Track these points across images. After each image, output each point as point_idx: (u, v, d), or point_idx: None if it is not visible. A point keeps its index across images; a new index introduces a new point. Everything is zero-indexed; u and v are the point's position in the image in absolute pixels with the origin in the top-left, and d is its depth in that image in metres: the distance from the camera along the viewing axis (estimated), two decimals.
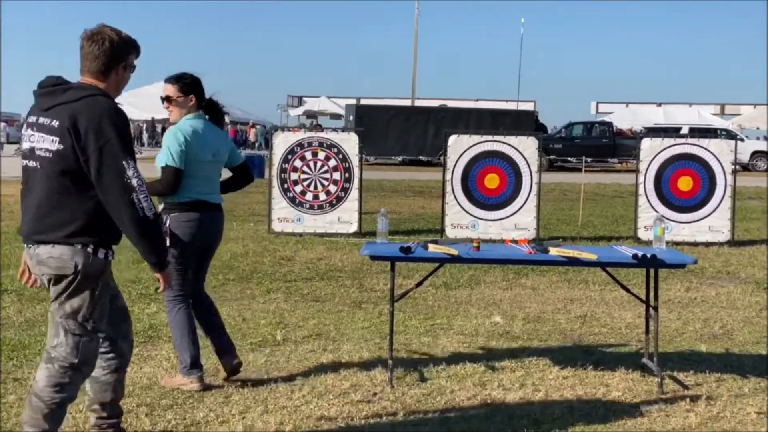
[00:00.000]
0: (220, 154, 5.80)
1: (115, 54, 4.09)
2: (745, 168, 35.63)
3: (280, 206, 13.78)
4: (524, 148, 13.40)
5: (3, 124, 48.88)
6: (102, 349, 4.36)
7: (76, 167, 3.95)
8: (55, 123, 3.95)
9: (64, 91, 4.01)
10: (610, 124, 39.50)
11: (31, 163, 4.05)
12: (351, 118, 37.42)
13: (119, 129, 3.95)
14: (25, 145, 4.07)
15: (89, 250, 4.03)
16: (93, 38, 4.07)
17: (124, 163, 3.93)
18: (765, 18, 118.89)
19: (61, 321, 4.11)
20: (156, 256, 4.13)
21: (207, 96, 5.86)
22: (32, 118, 4.07)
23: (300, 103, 65.98)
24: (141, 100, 56.54)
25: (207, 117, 5.85)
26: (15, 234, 12.91)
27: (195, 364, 5.69)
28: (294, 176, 13.77)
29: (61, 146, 3.94)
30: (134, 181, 3.94)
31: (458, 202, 13.32)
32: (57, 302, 4.10)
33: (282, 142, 13.90)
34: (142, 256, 4.13)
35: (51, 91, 4.04)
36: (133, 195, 3.93)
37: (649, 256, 5.83)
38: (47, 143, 3.96)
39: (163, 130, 56.73)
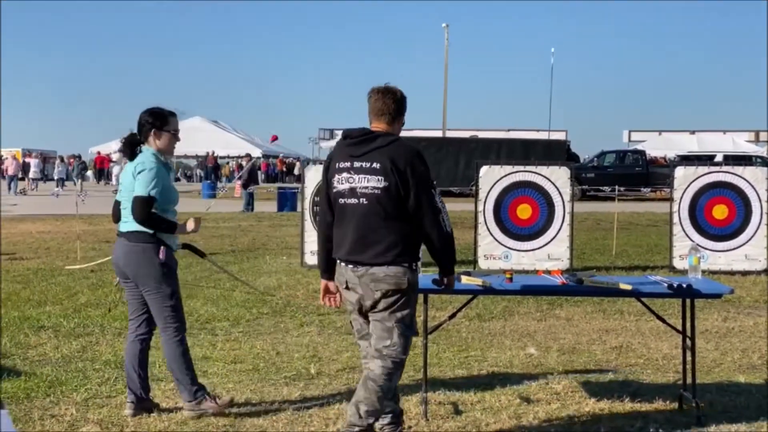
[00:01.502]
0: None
1: (400, 108, 5.07)
2: None
3: (313, 239, 13.74)
4: (556, 178, 13.36)
5: (35, 161, 49.51)
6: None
7: (397, 199, 4.84)
8: (377, 165, 4.86)
9: (374, 139, 4.93)
10: (643, 153, 39.27)
11: (352, 201, 4.91)
12: None
13: (424, 165, 4.93)
14: (343, 186, 4.93)
15: (413, 267, 4.94)
16: (385, 93, 5.03)
17: (432, 191, 4.92)
18: None
19: (395, 326, 4.94)
20: (452, 263, 5.11)
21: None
22: (344, 164, 4.94)
23: (332, 135, 66.22)
24: None
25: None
26: (51, 271, 13.05)
27: (201, 386, 5.85)
28: None
29: (387, 183, 4.84)
30: (439, 205, 4.92)
31: (491, 233, 13.28)
32: (388, 312, 4.93)
33: (314, 176, 13.94)
34: (442, 263, 5.08)
35: (363, 140, 4.95)
36: (439, 216, 4.89)
37: (684, 286, 5.78)
38: (373, 182, 4.86)
39: (216, 167, 57.49)
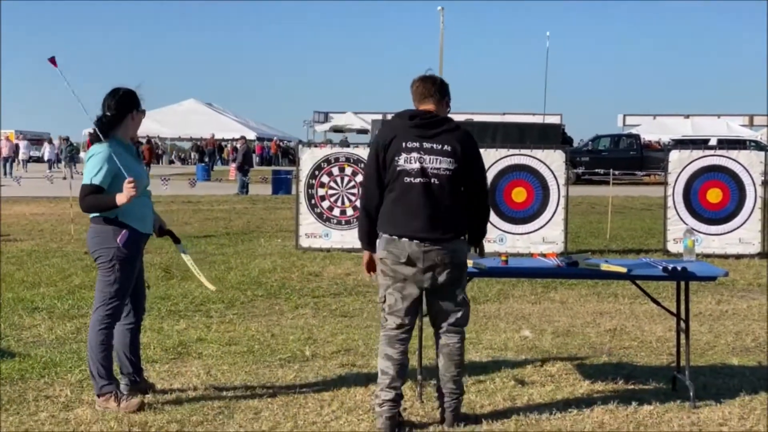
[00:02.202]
0: None
1: (441, 90, 5.37)
2: None
3: (308, 222, 13.80)
4: (551, 162, 13.35)
5: (25, 143, 49.24)
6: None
7: (462, 181, 5.20)
8: (448, 147, 5.16)
9: (441, 122, 5.24)
10: (637, 137, 39.29)
11: (419, 180, 5.14)
12: (377, 133, 37.44)
13: (479, 149, 5.35)
14: (412, 166, 5.14)
15: (466, 241, 5.37)
16: (425, 79, 5.36)
17: (485, 174, 5.46)
18: None
19: (463, 298, 5.33)
20: (484, 236, 5.51)
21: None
22: (413, 144, 5.16)
23: (326, 118, 66.23)
24: (168, 117, 56.97)
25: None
26: (45, 252, 13.04)
27: (112, 382, 5.66)
28: (321, 192, 13.80)
29: (456, 165, 5.16)
30: (487, 187, 5.48)
31: None
32: (455, 286, 5.28)
33: (309, 158, 13.95)
34: (478, 237, 5.44)
35: (431, 122, 5.22)
36: (488, 197, 5.51)
37: (679, 268, 5.79)
38: (444, 164, 5.15)
39: (220, 149, 57.04)
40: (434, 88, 5.34)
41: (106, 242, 5.55)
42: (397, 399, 5.26)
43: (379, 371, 5.28)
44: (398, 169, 5.16)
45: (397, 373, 5.24)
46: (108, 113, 5.66)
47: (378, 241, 5.32)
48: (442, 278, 5.21)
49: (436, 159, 5.16)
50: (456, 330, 5.34)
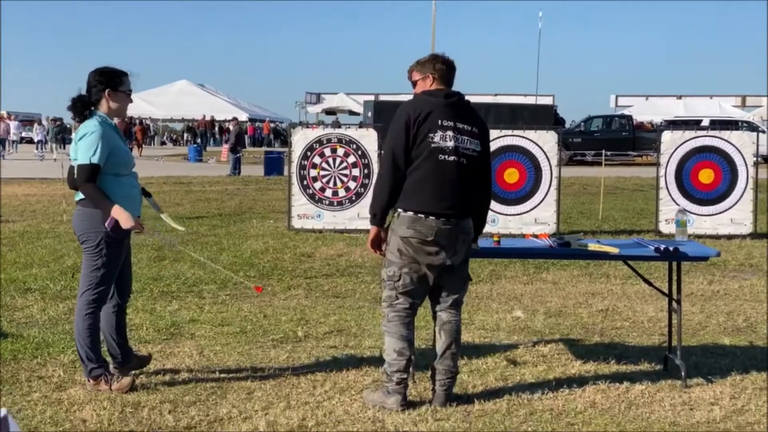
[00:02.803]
0: None
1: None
2: (767, 160, 35.33)
3: (300, 203, 13.79)
4: (544, 143, 13.35)
5: (16, 123, 48.98)
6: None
7: (482, 162, 5.35)
8: (476, 130, 5.33)
9: (470, 106, 5.41)
10: (629, 118, 39.30)
11: (453, 158, 5.21)
12: (369, 114, 37.37)
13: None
14: (447, 144, 5.21)
15: None
16: (454, 67, 5.44)
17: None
18: None
19: (468, 273, 5.49)
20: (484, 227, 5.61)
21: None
22: (448, 122, 5.23)
23: (318, 99, 66.08)
24: (159, 98, 56.78)
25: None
26: (37, 233, 13.01)
27: (102, 365, 5.64)
28: (313, 173, 13.78)
29: (480, 147, 5.33)
30: None
31: None
32: (465, 261, 5.41)
33: (301, 139, 13.92)
34: (480, 227, 5.50)
35: (463, 103, 5.36)
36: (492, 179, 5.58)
37: (671, 249, 5.80)
38: (473, 145, 5.29)
39: (221, 129, 56.81)
40: (453, 72, 5.48)
41: (94, 226, 5.48)
42: (409, 377, 5.39)
43: (394, 352, 5.27)
44: (432, 145, 5.18)
45: (412, 352, 5.35)
46: (85, 91, 5.61)
47: (397, 218, 5.28)
48: (459, 256, 5.32)
49: (467, 140, 5.28)
50: (457, 307, 5.46)
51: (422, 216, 5.18)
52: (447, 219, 5.21)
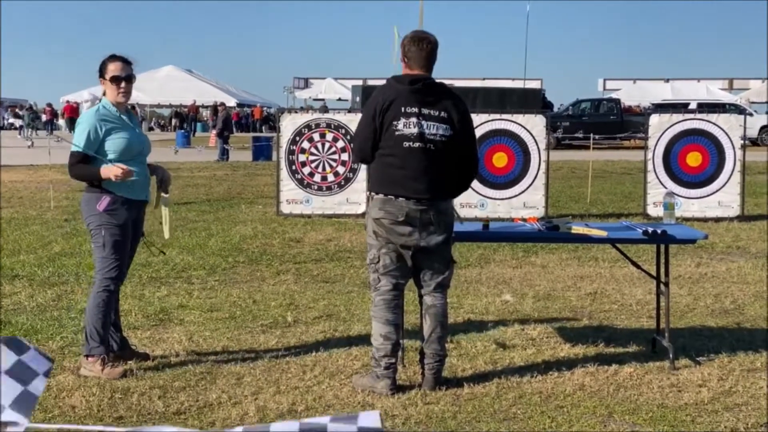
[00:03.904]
0: None
1: (436, 54, 5.40)
2: (754, 143, 35.42)
3: (289, 188, 13.76)
4: (532, 126, 13.35)
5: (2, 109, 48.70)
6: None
7: (457, 146, 5.28)
8: (444, 114, 5.25)
9: (438, 88, 5.33)
10: (617, 101, 39.27)
11: (418, 145, 5.20)
12: (358, 99, 37.30)
13: (470, 115, 5.47)
14: (411, 130, 5.20)
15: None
16: (436, 44, 5.35)
17: (476, 140, 5.60)
18: None
19: (450, 256, 5.48)
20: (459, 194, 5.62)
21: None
22: (412, 109, 5.20)
23: (306, 84, 65.83)
24: (146, 84, 56.46)
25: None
26: (24, 219, 12.96)
27: (105, 348, 5.69)
28: (302, 158, 13.74)
29: (451, 132, 5.26)
30: (478, 153, 5.63)
31: None
32: (446, 243, 5.39)
33: (290, 124, 13.87)
34: (460, 192, 5.55)
35: (429, 88, 5.29)
36: (477, 163, 5.55)
37: (659, 232, 5.82)
38: (441, 130, 5.24)
39: (215, 110, 56.64)
40: (436, 54, 5.41)
41: (91, 209, 5.65)
42: (397, 361, 5.39)
43: (380, 336, 5.30)
44: (397, 133, 5.21)
45: (399, 336, 5.38)
46: None
47: (371, 201, 5.37)
48: (435, 237, 5.31)
49: (434, 125, 5.25)
50: (442, 290, 5.47)
51: (392, 197, 5.25)
52: (418, 201, 5.24)
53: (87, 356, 5.62)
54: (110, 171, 5.56)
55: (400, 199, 5.23)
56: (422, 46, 5.34)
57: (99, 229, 5.61)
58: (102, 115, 5.64)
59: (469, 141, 5.43)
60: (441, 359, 5.41)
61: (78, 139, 5.60)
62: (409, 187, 5.23)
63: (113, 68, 5.72)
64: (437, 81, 5.40)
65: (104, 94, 5.81)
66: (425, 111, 5.24)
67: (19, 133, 42.79)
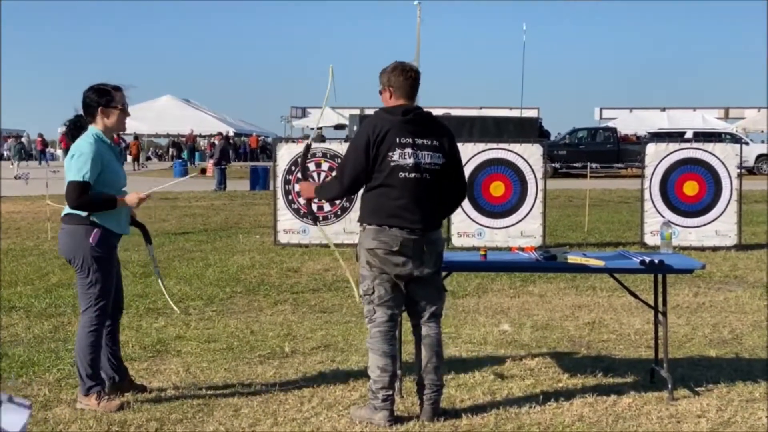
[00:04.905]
0: None
1: (419, 84, 5.47)
2: (751, 172, 35.53)
3: (286, 218, 13.77)
4: (529, 155, 13.39)
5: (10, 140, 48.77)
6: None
7: (447, 173, 5.35)
8: (437, 143, 5.33)
9: (429, 117, 5.41)
10: (614, 130, 39.42)
11: (414, 175, 5.24)
12: (355, 128, 37.39)
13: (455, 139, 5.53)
14: (407, 161, 5.24)
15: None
16: (418, 75, 5.44)
17: (462, 164, 5.60)
18: (765, 21, 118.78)
19: (442, 285, 5.50)
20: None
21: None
22: (406, 139, 5.25)
23: (304, 114, 65.99)
24: (144, 113, 56.60)
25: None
26: (22, 251, 12.95)
27: (99, 383, 5.63)
28: (298, 187, 13.74)
29: (444, 160, 5.33)
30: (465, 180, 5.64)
31: (464, 211, 13.28)
32: (437, 272, 5.41)
33: (286, 153, 13.90)
34: (448, 215, 5.80)
35: (421, 118, 5.34)
36: (465, 190, 5.59)
37: (656, 261, 5.82)
38: (435, 159, 5.30)
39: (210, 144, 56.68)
40: (419, 84, 5.46)
41: (80, 243, 5.50)
42: (394, 392, 5.37)
43: (377, 369, 5.26)
44: (392, 164, 5.23)
45: (396, 368, 5.34)
46: (81, 109, 5.67)
47: (363, 232, 5.35)
48: (428, 267, 5.32)
49: (428, 154, 5.30)
50: (436, 319, 5.45)
51: (386, 227, 5.24)
52: (412, 230, 5.25)
53: (83, 394, 5.58)
54: (136, 196, 5.58)
55: (395, 229, 5.24)
56: (408, 77, 5.39)
57: (89, 264, 5.49)
58: (100, 145, 5.54)
59: (458, 166, 5.47)
60: (439, 389, 5.39)
61: (82, 169, 5.42)
62: (403, 218, 5.24)
63: (121, 97, 5.68)
64: (425, 110, 5.45)
65: (90, 123, 5.63)
66: (419, 141, 5.28)
67: (11, 164, 42.78)
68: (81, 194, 5.44)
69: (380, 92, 5.49)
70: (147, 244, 6.15)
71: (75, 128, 5.67)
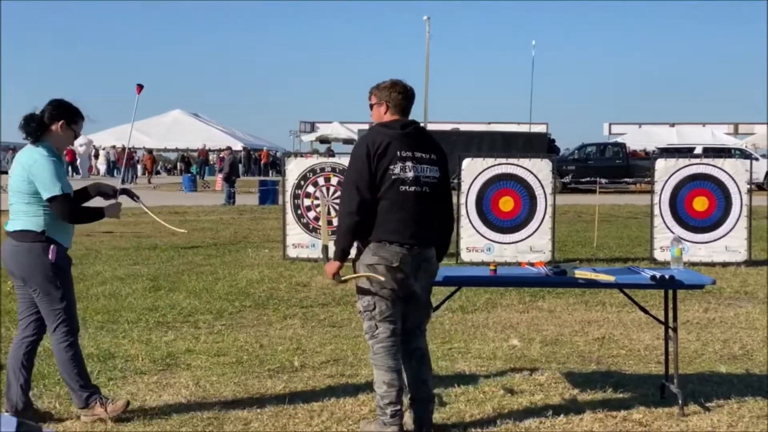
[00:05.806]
0: None
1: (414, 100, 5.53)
2: (760, 187, 35.43)
3: (295, 232, 13.78)
4: (538, 171, 13.39)
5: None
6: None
7: (443, 188, 5.42)
8: (434, 157, 5.39)
9: (426, 133, 5.54)
10: (623, 145, 39.44)
11: (414, 188, 5.26)
12: (365, 140, 37.38)
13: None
14: (407, 174, 5.25)
15: None
16: (413, 94, 5.48)
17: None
18: None
19: (430, 300, 5.53)
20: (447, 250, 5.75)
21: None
22: (406, 153, 5.27)
23: (312, 128, 66.18)
24: (153, 128, 56.90)
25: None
26: None
27: (94, 391, 5.62)
28: (307, 202, 13.78)
29: (440, 174, 5.40)
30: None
31: (473, 226, 13.29)
32: (430, 290, 5.50)
33: (295, 168, 13.93)
34: (445, 245, 5.60)
35: (419, 132, 5.42)
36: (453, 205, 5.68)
37: (667, 277, 5.81)
38: (433, 172, 5.35)
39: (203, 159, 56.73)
40: (414, 100, 5.53)
41: (39, 260, 5.39)
42: (402, 407, 5.32)
43: (384, 384, 5.23)
44: (393, 177, 5.23)
45: (402, 382, 5.31)
46: (38, 117, 5.49)
47: (362, 248, 5.34)
48: (422, 282, 5.38)
49: (427, 168, 5.34)
50: (424, 333, 5.53)
51: (386, 243, 5.23)
52: (410, 247, 5.25)
53: (84, 407, 5.55)
54: (117, 207, 5.64)
55: (394, 245, 5.23)
56: (407, 95, 5.44)
57: (51, 280, 5.40)
58: (56, 157, 5.42)
59: (449, 185, 5.56)
60: (431, 402, 5.40)
61: (59, 182, 5.30)
62: (403, 233, 5.24)
63: (81, 125, 5.64)
64: (420, 124, 5.52)
65: (43, 134, 5.46)
66: (418, 154, 5.32)
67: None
68: (68, 207, 5.39)
69: (371, 106, 5.49)
70: (136, 200, 5.94)
71: (37, 125, 5.44)
